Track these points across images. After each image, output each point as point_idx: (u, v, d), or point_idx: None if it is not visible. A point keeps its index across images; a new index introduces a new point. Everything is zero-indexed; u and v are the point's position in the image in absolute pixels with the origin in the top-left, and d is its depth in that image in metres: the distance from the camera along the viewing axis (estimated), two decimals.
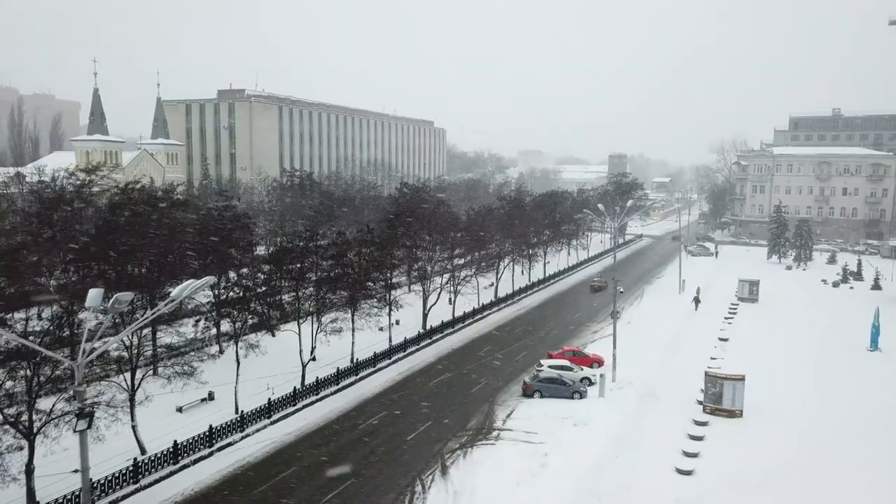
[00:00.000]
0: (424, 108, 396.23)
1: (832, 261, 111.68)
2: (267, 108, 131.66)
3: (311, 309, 44.52)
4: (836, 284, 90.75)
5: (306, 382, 43.37)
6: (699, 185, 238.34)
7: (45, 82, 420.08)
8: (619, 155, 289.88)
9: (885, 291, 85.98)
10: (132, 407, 32.30)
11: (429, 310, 59.91)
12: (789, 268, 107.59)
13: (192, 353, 34.60)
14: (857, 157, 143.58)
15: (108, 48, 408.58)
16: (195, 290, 14.41)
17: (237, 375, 38.45)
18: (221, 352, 47.56)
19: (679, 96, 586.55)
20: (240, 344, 38.09)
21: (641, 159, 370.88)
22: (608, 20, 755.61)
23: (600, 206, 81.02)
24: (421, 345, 55.63)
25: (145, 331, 32.95)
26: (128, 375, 32.59)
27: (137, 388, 32.64)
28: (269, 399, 38.85)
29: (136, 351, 32.28)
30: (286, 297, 44.88)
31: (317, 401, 42.26)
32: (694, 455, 35.21)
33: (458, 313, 63.94)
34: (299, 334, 43.77)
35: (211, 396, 40.60)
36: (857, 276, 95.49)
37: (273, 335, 50.02)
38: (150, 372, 36.15)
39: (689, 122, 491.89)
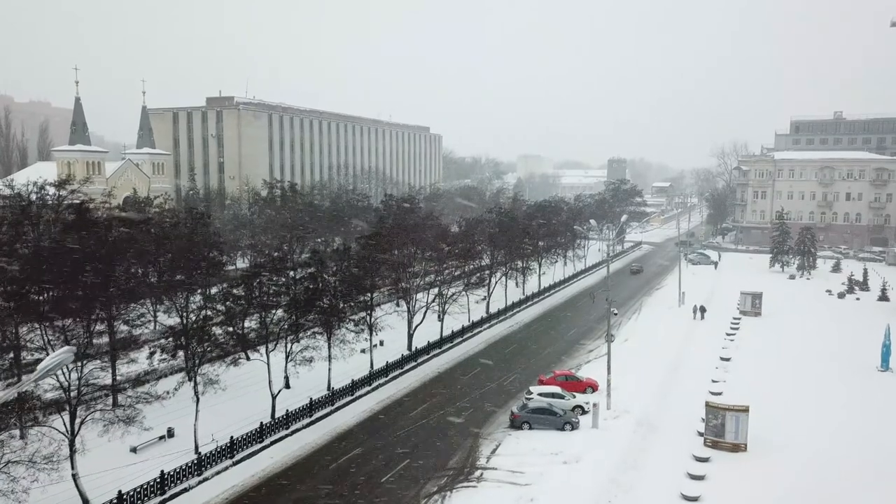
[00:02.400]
0: (423, 113, 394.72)
1: (836, 269, 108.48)
2: (256, 116, 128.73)
3: (281, 334, 41.31)
4: (841, 295, 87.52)
5: (277, 415, 40.26)
6: (700, 190, 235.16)
7: (43, 89, 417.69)
8: (619, 160, 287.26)
9: (893, 303, 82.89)
10: (72, 455, 29.15)
11: (414, 330, 56.75)
12: (792, 277, 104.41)
13: (133, 395, 31.18)
14: (860, 161, 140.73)
15: (105, 53, 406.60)
16: (50, 370, 11.49)
17: (196, 412, 35.31)
18: (190, 379, 44.47)
19: (680, 99, 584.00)
20: (198, 379, 34.91)
21: (642, 163, 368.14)
22: (608, 23, 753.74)
23: (592, 221, 77.84)
24: (405, 368, 52.44)
25: (87, 368, 29.74)
26: (68, 417, 29.44)
27: (77, 432, 29.47)
28: (231, 437, 35.67)
29: (74, 392, 29.03)
30: (252, 324, 41.63)
31: (287, 436, 39.11)
32: (694, 499, 32.07)
33: (447, 331, 60.81)
34: (268, 363, 40.62)
35: (170, 433, 37.46)
36: (864, 285, 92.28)
37: (248, 358, 46.96)
38: (108, 404, 32.86)
39: (689, 124, 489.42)
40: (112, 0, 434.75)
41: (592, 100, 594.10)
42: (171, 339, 34.73)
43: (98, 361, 30.30)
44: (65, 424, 29.30)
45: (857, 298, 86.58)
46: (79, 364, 29.12)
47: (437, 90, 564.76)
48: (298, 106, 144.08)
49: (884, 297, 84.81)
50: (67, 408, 28.95)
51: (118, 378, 30.81)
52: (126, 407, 29.64)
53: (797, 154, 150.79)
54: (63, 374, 28.47)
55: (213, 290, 44.35)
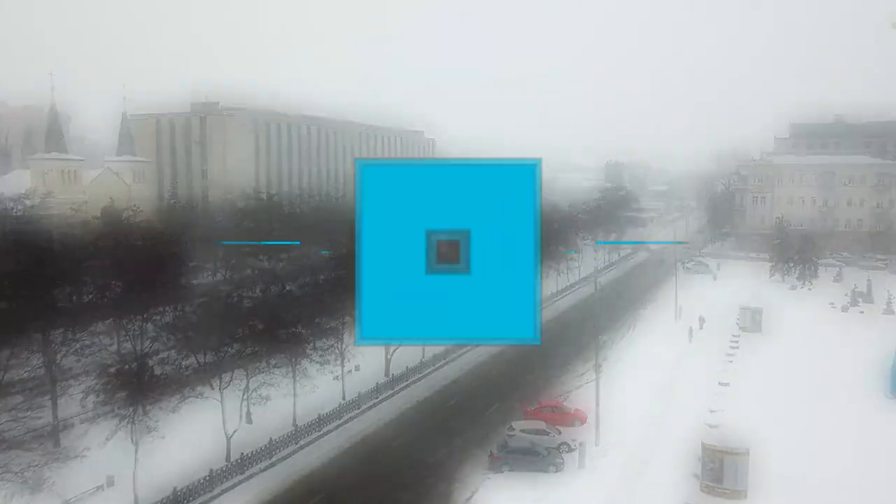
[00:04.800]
0: (420, 114, 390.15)
1: (839, 278, 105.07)
2: (241, 122, 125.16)
3: (235, 367, 37.91)
4: (845, 308, 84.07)
5: (233, 457, 36.79)
6: (699, 194, 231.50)
7: (42, 91, 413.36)
8: (617, 163, 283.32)
9: None
10: None
11: (392, 354, 53.23)
12: (793, 287, 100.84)
13: (42, 453, 27.52)
14: (862, 165, 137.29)
15: (105, 53, 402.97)
16: None
17: (136, 460, 31.78)
18: (145, 412, 41.03)
19: (679, 100, 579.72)
20: (135, 426, 31.38)
21: (641, 166, 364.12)
22: (608, 26, 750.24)
23: (579, 239, 74.75)
24: (380, 397, 48.93)
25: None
26: None
27: None
28: (175, 488, 32.17)
29: None
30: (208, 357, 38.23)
31: (242, 482, 35.68)
32: None
33: (429, 353, 57.27)
34: (221, 401, 37.17)
35: (110, 482, 33.93)
36: (868, 297, 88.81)
37: (212, 387, 43.47)
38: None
39: (689, 126, 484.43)
40: None
41: (592, 101, 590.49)
42: (105, 379, 31.16)
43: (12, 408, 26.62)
44: None
45: (862, 311, 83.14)
46: None
47: (437, 91, 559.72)
48: (286, 111, 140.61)
49: (889, 311, 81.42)
50: None
51: (26, 429, 26.98)
52: (36, 467, 25.88)
53: (797, 159, 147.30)
54: None
55: (168, 318, 41.08)
